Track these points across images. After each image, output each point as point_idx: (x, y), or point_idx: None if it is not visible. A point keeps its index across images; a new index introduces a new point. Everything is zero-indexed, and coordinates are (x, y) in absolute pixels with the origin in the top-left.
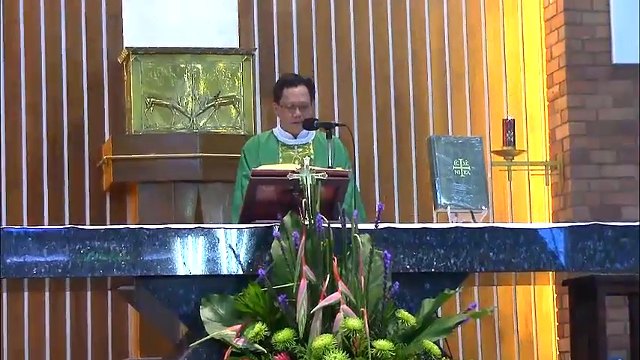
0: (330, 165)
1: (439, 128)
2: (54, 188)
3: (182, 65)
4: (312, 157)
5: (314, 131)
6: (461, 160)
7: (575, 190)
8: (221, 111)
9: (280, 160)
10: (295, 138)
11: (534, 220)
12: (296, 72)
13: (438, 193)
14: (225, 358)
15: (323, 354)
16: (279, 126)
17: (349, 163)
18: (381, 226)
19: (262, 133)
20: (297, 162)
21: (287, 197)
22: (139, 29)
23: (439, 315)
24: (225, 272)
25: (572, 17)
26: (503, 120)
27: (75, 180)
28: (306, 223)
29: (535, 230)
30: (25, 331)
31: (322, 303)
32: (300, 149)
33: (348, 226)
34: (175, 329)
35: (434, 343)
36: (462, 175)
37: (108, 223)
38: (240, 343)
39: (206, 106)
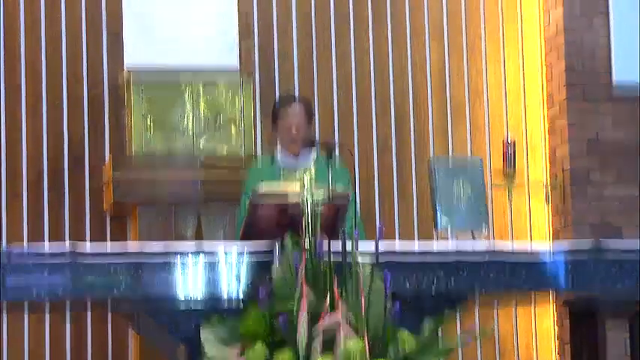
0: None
1: (439, 149)
2: (54, 208)
3: (182, 85)
4: (313, 178)
5: (315, 153)
6: (461, 180)
7: (575, 210)
8: (221, 131)
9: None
10: (296, 161)
11: (534, 240)
12: (296, 92)
13: (438, 214)
14: None
15: None
16: (279, 149)
17: (351, 185)
18: (382, 246)
19: (264, 157)
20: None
21: (287, 218)
22: (139, 49)
23: (439, 336)
24: (225, 294)
25: (572, 37)
26: (503, 140)
27: (75, 200)
28: (307, 244)
29: (535, 251)
30: (25, 354)
31: (323, 324)
32: (302, 172)
33: (349, 247)
34: (176, 351)
35: None
36: (462, 196)
37: (108, 243)
38: None
39: (206, 126)
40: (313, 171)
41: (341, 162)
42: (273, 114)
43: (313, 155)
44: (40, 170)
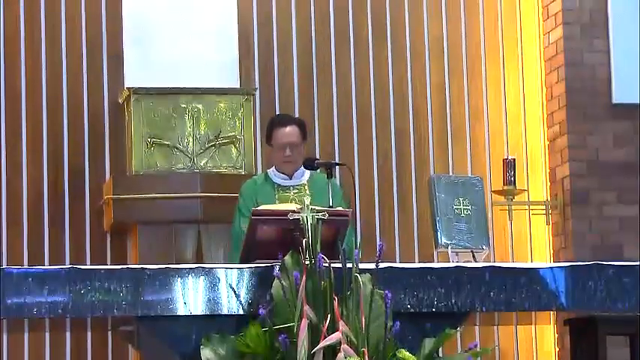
0: (330, 205)
1: (439, 168)
2: (54, 228)
3: (183, 105)
4: (309, 197)
5: (309, 171)
6: (461, 199)
7: (575, 229)
8: (222, 151)
9: (277, 201)
10: (290, 179)
11: (535, 259)
12: (297, 111)
13: (438, 233)
14: None
15: None
16: (273, 167)
17: (344, 204)
18: (382, 265)
19: (258, 175)
20: (293, 203)
21: (288, 237)
22: (139, 69)
23: (440, 355)
24: (225, 312)
25: (572, 57)
26: (503, 159)
27: (75, 220)
28: (307, 262)
29: (536, 270)
30: None
31: (323, 343)
32: (296, 190)
33: (349, 265)
34: None
35: None
36: (463, 215)
37: (108, 263)
38: None
39: (207, 145)
40: (307, 190)
41: (335, 181)
42: (268, 133)
43: (307, 173)
44: (40, 191)
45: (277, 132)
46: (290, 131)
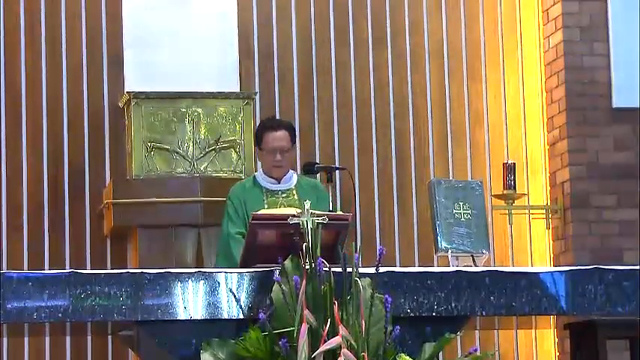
0: (330, 209)
1: (439, 172)
2: (54, 232)
3: (183, 109)
4: (297, 201)
5: (297, 176)
6: (461, 203)
7: (575, 233)
8: (222, 155)
9: (265, 205)
10: (279, 183)
11: (535, 263)
12: (297, 114)
13: (438, 237)
14: None
15: None
16: (260, 171)
17: (327, 204)
18: (382, 270)
19: (247, 179)
20: (282, 207)
21: (287, 241)
22: (139, 73)
23: (440, 359)
24: (225, 316)
25: (572, 61)
26: (503, 164)
27: (75, 224)
28: (307, 267)
29: (536, 274)
30: None
31: (323, 347)
32: (284, 194)
33: (349, 269)
34: None
35: None
36: (463, 219)
37: (108, 267)
38: None
39: (207, 150)
40: (295, 194)
41: (319, 183)
42: (258, 137)
43: (295, 178)
44: (40, 195)
45: (268, 136)
46: (280, 135)
